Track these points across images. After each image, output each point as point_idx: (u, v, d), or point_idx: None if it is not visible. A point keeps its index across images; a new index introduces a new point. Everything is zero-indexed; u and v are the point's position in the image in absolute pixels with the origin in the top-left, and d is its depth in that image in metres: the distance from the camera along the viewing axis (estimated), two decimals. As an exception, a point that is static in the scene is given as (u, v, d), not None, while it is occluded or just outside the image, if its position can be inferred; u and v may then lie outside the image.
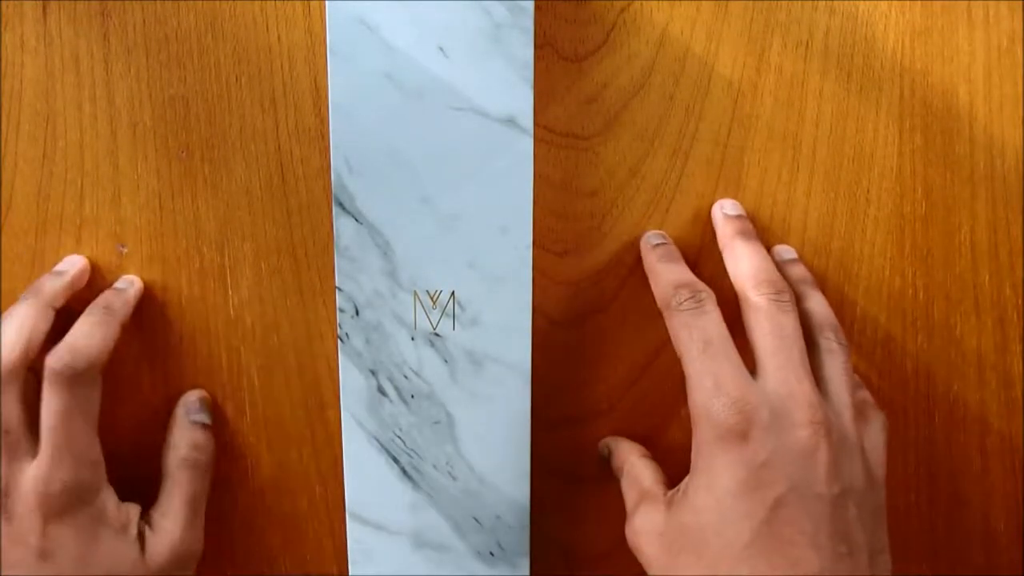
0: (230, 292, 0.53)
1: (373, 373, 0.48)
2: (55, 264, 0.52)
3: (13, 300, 0.52)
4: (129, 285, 0.52)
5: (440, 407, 0.49)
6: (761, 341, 0.46)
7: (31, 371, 0.49)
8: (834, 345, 0.48)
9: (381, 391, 0.49)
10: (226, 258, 0.53)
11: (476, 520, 0.50)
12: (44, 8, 0.50)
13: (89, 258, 0.52)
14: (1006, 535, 0.56)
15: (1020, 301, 0.53)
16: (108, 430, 0.50)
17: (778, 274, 0.48)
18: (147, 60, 0.51)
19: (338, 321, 0.48)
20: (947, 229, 0.53)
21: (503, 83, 0.46)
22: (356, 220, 0.47)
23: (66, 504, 0.48)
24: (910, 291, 0.53)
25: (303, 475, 0.55)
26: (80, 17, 0.50)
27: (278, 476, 0.55)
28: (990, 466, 0.55)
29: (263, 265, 0.53)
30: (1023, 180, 0.52)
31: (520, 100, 0.46)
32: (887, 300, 0.53)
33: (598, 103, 0.51)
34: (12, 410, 0.48)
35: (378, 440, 0.49)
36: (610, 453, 0.54)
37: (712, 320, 0.46)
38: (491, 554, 0.50)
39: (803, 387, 0.45)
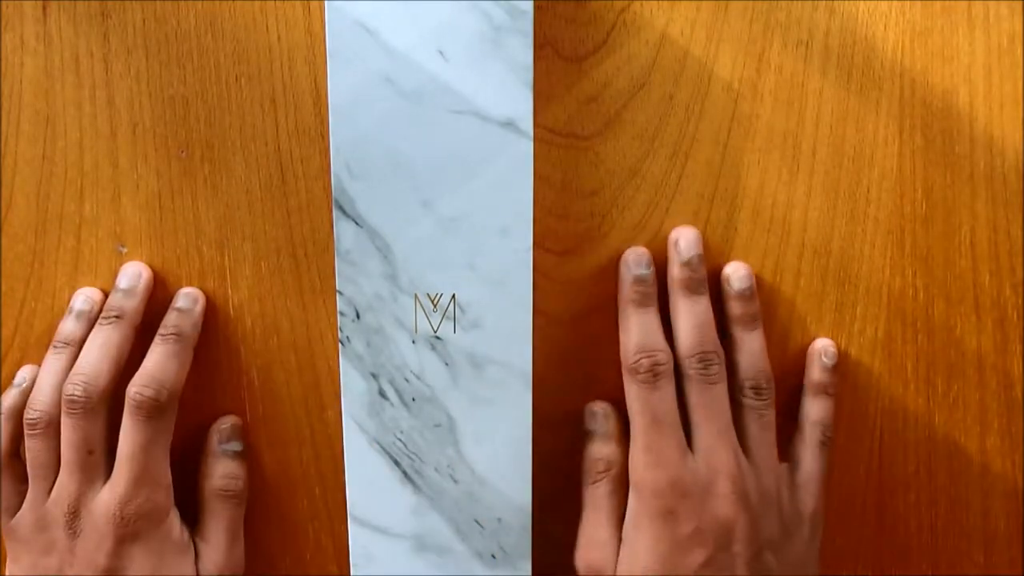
0: (230, 292, 0.53)
1: (374, 376, 0.48)
2: (54, 263, 0.52)
3: (13, 300, 0.52)
4: (194, 304, 0.53)
5: (441, 410, 0.49)
6: (692, 413, 0.50)
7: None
8: (755, 403, 0.51)
9: (382, 394, 0.49)
10: (226, 258, 0.53)
11: (477, 523, 0.50)
12: (44, 8, 0.50)
13: (154, 267, 0.53)
14: (1006, 535, 0.56)
15: (1020, 301, 0.53)
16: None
17: (711, 340, 0.51)
18: (147, 60, 0.51)
19: (339, 325, 0.48)
20: (947, 229, 0.53)
21: (502, 86, 0.46)
22: (356, 224, 0.47)
23: (139, 527, 0.50)
24: (910, 291, 0.53)
25: (303, 475, 0.55)
26: (80, 17, 0.50)
27: (278, 476, 0.55)
28: (990, 466, 0.55)
29: (263, 265, 0.53)
30: (1023, 180, 0.52)
31: (519, 103, 0.46)
32: (887, 300, 0.53)
33: (598, 103, 0.51)
34: (98, 433, 0.50)
35: (379, 443, 0.49)
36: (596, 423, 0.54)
37: (663, 398, 0.49)
38: (493, 557, 0.50)
39: (726, 458, 0.49)
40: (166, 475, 0.51)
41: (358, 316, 0.48)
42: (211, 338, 0.53)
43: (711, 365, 0.50)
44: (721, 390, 0.50)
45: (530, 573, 0.51)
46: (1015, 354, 0.54)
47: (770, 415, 0.51)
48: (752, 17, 0.51)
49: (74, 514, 0.49)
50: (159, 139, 0.51)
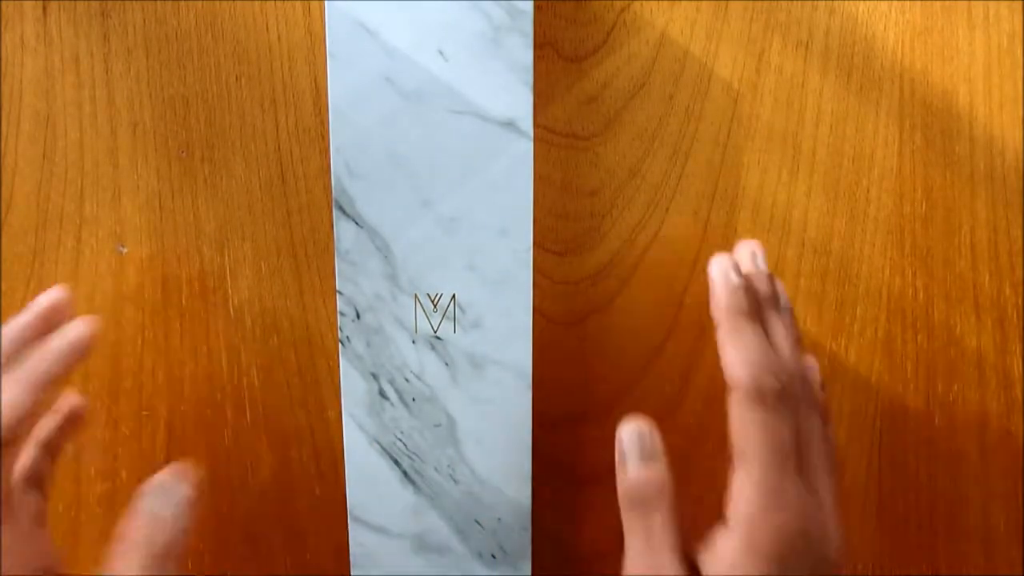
0: (230, 292, 0.53)
1: (374, 376, 0.48)
2: (54, 263, 0.52)
3: (13, 300, 0.52)
4: (70, 330, 0.47)
5: (441, 410, 0.49)
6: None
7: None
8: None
9: (382, 394, 0.49)
10: (226, 258, 0.53)
11: (478, 523, 0.50)
12: (44, 8, 0.50)
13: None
14: (1006, 535, 0.56)
15: (1020, 301, 0.53)
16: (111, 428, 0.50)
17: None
18: (147, 60, 0.51)
19: (339, 325, 0.48)
20: (947, 229, 0.53)
21: (502, 86, 0.46)
22: (356, 224, 0.47)
23: None
24: (910, 291, 0.53)
25: (303, 475, 0.55)
26: (80, 17, 0.50)
27: (278, 476, 0.55)
28: (990, 466, 0.55)
29: (263, 265, 0.53)
30: (1023, 180, 0.52)
31: (519, 103, 0.46)
32: (887, 300, 0.53)
33: (598, 103, 0.51)
34: None
35: (379, 443, 0.49)
36: None
37: (791, 429, 0.42)
38: (493, 556, 0.50)
39: (836, 508, 0.44)
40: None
41: (358, 316, 0.48)
42: (211, 338, 0.53)
43: (811, 382, 0.44)
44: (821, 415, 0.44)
45: (530, 573, 0.51)
46: (1015, 354, 0.54)
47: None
48: (752, 17, 0.51)
49: None
50: (159, 139, 0.51)
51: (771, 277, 0.46)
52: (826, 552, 0.42)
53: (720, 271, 0.45)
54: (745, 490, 0.41)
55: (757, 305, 0.44)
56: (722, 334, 0.43)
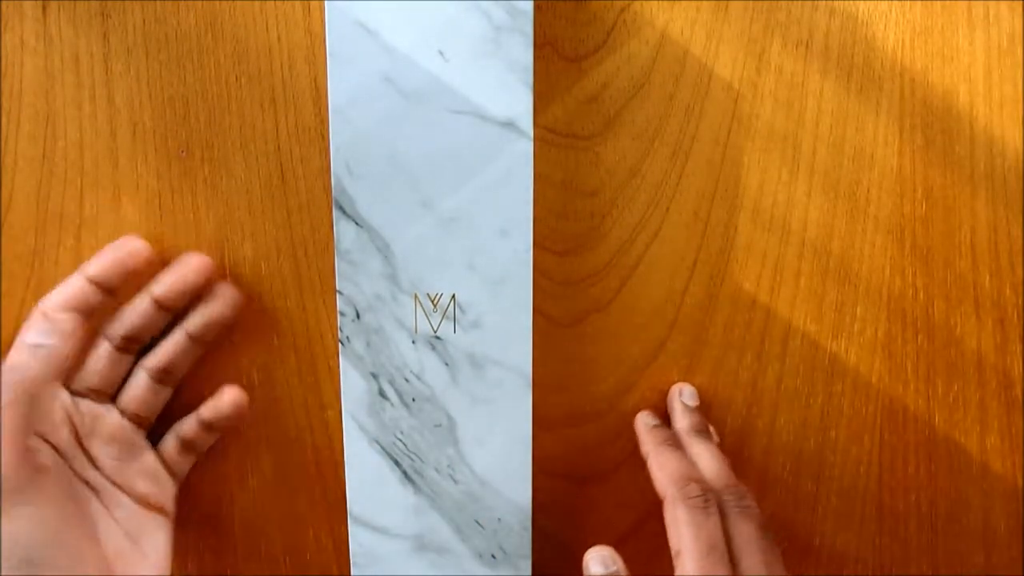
0: (230, 292, 0.53)
1: (374, 376, 0.48)
2: (54, 263, 0.52)
3: (13, 300, 0.52)
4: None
5: (441, 410, 0.49)
6: (733, 547, 0.47)
7: None
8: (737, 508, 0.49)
9: (382, 394, 0.49)
10: (226, 258, 0.53)
11: (478, 523, 0.50)
12: (44, 8, 0.50)
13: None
14: (1006, 535, 0.56)
15: (1020, 301, 0.53)
16: (109, 431, 0.50)
17: (734, 476, 0.50)
18: (147, 60, 0.51)
19: (339, 325, 0.48)
20: (947, 229, 0.53)
21: (502, 86, 0.46)
22: (356, 224, 0.47)
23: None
24: (910, 291, 0.53)
25: (303, 475, 0.55)
26: (80, 17, 0.50)
27: (278, 476, 0.55)
28: (990, 466, 0.55)
29: (263, 265, 0.53)
30: (1023, 180, 0.52)
31: (519, 103, 0.46)
32: (887, 300, 0.53)
33: (598, 103, 0.51)
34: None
35: (379, 443, 0.49)
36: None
37: (716, 524, 0.47)
38: (493, 557, 0.50)
39: None
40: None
41: (358, 316, 0.48)
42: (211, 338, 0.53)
43: (745, 497, 0.48)
44: (759, 524, 0.48)
45: (530, 573, 0.51)
46: (1015, 354, 0.54)
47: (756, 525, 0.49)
48: (752, 17, 0.51)
49: None
50: (159, 139, 0.51)
51: (698, 410, 0.54)
52: None
53: (638, 421, 0.54)
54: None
55: (676, 438, 0.52)
56: (649, 463, 0.51)
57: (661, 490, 0.48)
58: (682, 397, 0.54)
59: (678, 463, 0.50)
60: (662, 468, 0.49)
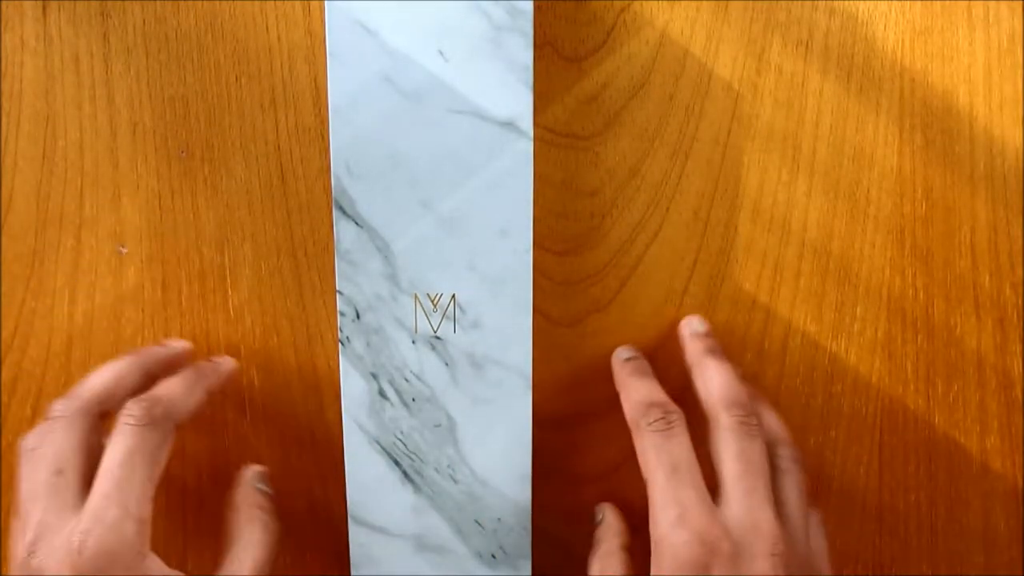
0: (230, 292, 0.53)
1: (374, 376, 0.48)
2: (54, 263, 0.52)
3: (13, 299, 0.52)
4: (224, 361, 0.53)
5: (441, 410, 0.49)
6: (727, 464, 0.46)
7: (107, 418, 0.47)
8: (790, 464, 0.48)
9: (382, 395, 0.49)
10: (226, 258, 0.53)
11: (478, 523, 0.50)
12: (44, 8, 0.50)
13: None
14: (1006, 535, 0.56)
15: (1020, 301, 0.53)
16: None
17: (747, 393, 0.48)
18: (147, 60, 0.51)
19: (339, 325, 0.48)
20: (947, 229, 0.53)
21: (502, 86, 0.46)
22: (356, 224, 0.47)
23: (100, 565, 0.42)
24: (910, 291, 0.53)
25: (303, 475, 0.55)
26: (80, 17, 0.50)
27: (278, 476, 0.55)
28: (990, 466, 0.55)
29: (263, 265, 0.53)
30: (1023, 180, 0.52)
31: (519, 103, 0.46)
32: (887, 300, 0.53)
33: (598, 103, 0.51)
34: (69, 450, 0.45)
35: (379, 443, 0.49)
36: (602, 519, 0.53)
37: (681, 444, 0.46)
38: (493, 557, 0.50)
39: (766, 516, 0.44)
40: (143, 506, 0.44)
41: (358, 316, 0.48)
42: (211, 338, 0.53)
43: (751, 415, 0.47)
44: (761, 444, 0.47)
45: (530, 573, 0.51)
46: (1015, 354, 0.54)
47: (803, 481, 0.48)
48: (752, 17, 0.51)
49: (31, 550, 0.42)
50: (159, 139, 0.51)
51: (710, 333, 0.53)
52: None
53: (614, 358, 0.53)
54: (653, 514, 0.45)
55: (645, 367, 0.52)
56: (621, 398, 0.50)
57: (629, 423, 0.48)
58: (691, 326, 0.53)
59: (639, 390, 0.49)
60: (627, 399, 0.49)
